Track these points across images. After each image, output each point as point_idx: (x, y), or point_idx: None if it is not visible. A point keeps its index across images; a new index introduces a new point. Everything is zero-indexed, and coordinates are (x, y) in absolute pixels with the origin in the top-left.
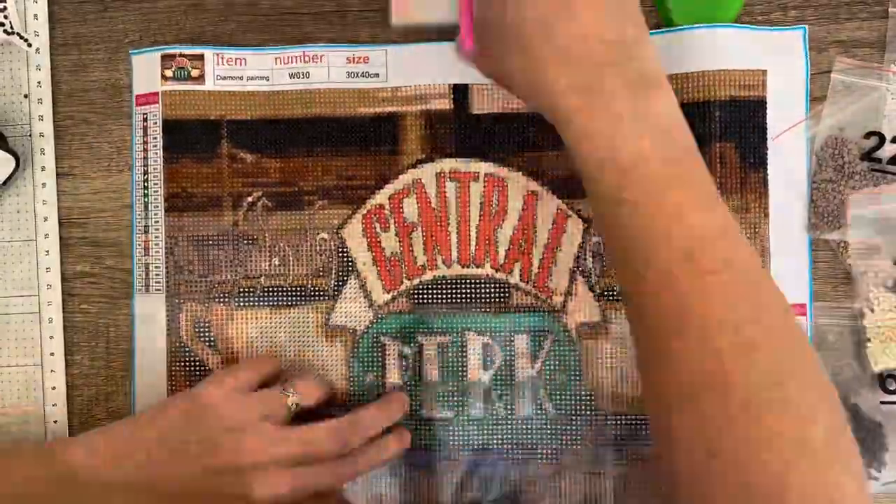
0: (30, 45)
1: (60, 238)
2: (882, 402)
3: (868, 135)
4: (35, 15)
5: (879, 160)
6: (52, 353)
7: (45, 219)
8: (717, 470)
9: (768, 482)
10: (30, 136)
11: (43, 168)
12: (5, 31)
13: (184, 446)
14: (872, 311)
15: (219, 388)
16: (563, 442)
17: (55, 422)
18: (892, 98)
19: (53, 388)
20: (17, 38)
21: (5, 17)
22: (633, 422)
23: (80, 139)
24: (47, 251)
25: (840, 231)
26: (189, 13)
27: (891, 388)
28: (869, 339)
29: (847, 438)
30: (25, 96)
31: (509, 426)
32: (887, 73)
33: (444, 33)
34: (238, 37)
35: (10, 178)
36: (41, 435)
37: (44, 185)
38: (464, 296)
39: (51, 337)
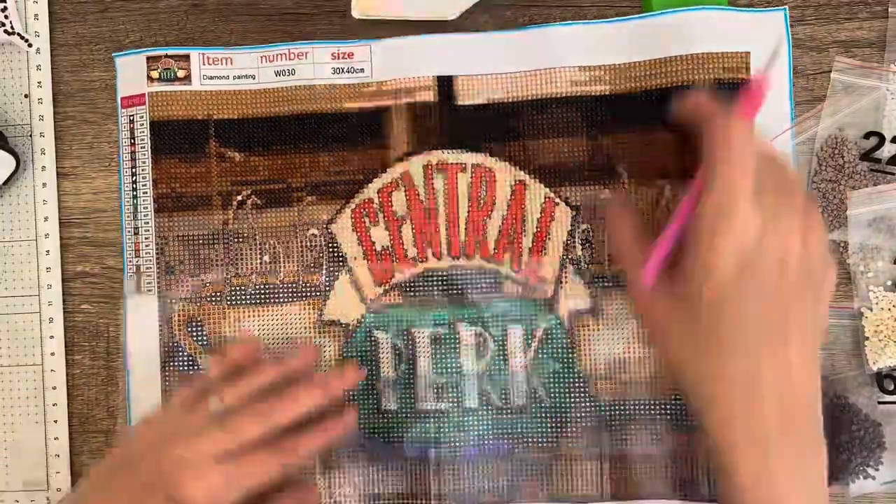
0: (30, 45)
1: (61, 238)
2: (880, 402)
3: (868, 135)
4: (35, 15)
5: (879, 160)
6: (52, 353)
7: (46, 219)
8: None
9: None
10: (30, 136)
11: (43, 168)
12: (6, 31)
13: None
14: (871, 309)
15: (149, 416)
16: (559, 429)
17: (55, 422)
18: (892, 98)
19: (53, 388)
20: (18, 38)
21: (6, 16)
22: (627, 407)
23: (80, 139)
24: (48, 251)
25: (840, 231)
26: (190, 13)
27: (889, 389)
28: (867, 338)
29: None
30: (26, 96)
31: (504, 416)
32: (887, 73)
33: (426, 27)
34: (239, 37)
35: (10, 178)
36: (40, 436)
37: (44, 185)
38: (455, 287)
39: (51, 337)
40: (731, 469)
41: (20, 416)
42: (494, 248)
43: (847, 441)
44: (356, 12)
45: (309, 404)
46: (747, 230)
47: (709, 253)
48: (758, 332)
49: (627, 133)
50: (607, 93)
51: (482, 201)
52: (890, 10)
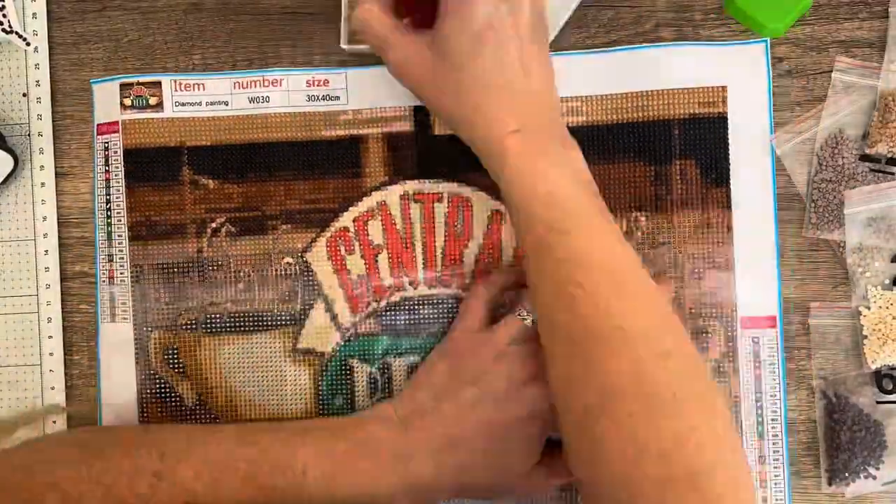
0: (28, 45)
1: (59, 238)
2: (879, 402)
3: (867, 135)
4: (34, 14)
5: (879, 160)
6: (51, 353)
7: (44, 218)
8: (645, 466)
9: (690, 472)
10: (28, 135)
11: (42, 167)
12: (4, 30)
13: (460, 398)
14: (869, 308)
15: (458, 336)
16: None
17: (54, 422)
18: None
19: (52, 388)
20: (16, 36)
21: (4, 15)
22: None
23: (78, 138)
24: (46, 251)
25: (840, 231)
26: (189, 12)
27: (888, 388)
28: (866, 337)
29: (733, 428)
30: (24, 95)
31: None
32: (887, 72)
33: None
34: (238, 36)
35: (8, 177)
36: (40, 435)
37: (42, 184)
38: (432, 316)
39: (50, 337)
40: (501, 155)
41: (19, 415)
42: (471, 278)
43: (847, 441)
44: (345, 44)
45: None
46: None
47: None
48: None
49: (604, 164)
50: (584, 124)
51: (459, 231)
52: (890, 10)
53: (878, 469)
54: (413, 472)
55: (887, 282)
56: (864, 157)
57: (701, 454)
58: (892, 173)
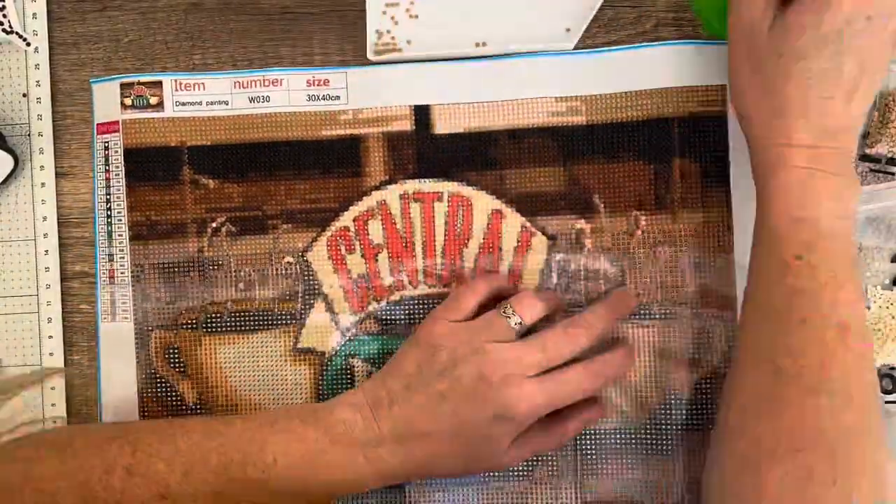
0: (28, 45)
1: (59, 238)
2: None
3: (867, 135)
4: (34, 14)
5: (879, 160)
6: (51, 354)
7: (44, 218)
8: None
9: None
10: (28, 135)
11: (42, 167)
12: (4, 30)
13: (430, 389)
14: (869, 308)
15: (438, 324)
16: (534, 456)
17: (54, 422)
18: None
19: (53, 388)
20: (16, 37)
21: (4, 15)
22: (601, 434)
23: (78, 138)
24: (46, 251)
25: None
26: (189, 12)
27: (888, 388)
28: None
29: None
30: (24, 95)
31: None
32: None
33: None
34: (238, 35)
35: (8, 177)
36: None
37: (43, 184)
38: None
39: (50, 337)
40: (780, 164)
41: (19, 416)
42: (471, 277)
43: None
44: (372, 55)
45: (608, 327)
46: None
47: None
48: (844, 69)
49: (603, 164)
50: (584, 123)
51: (459, 230)
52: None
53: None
54: (382, 459)
55: (887, 281)
56: (864, 157)
57: None
58: (892, 173)
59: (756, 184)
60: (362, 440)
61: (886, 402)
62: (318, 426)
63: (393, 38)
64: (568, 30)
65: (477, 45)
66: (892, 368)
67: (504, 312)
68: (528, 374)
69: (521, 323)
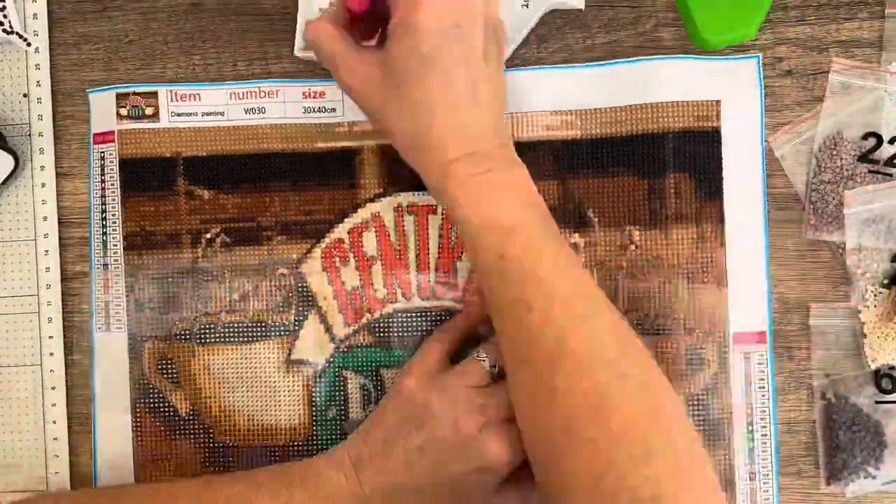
0: (29, 45)
1: (60, 238)
2: (878, 402)
3: (866, 136)
4: (34, 14)
5: (877, 161)
6: (51, 354)
7: (45, 218)
8: (607, 489)
9: (649, 494)
10: (29, 135)
11: (42, 168)
12: (4, 30)
13: (408, 444)
14: (869, 308)
15: (411, 376)
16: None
17: (54, 422)
18: (890, 99)
19: (53, 389)
20: (17, 37)
21: (4, 16)
22: None
23: (79, 139)
24: (46, 251)
25: (839, 232)
26: (189, 13)
27: (887, 388)
28: (865, 336)
29: (700, 447)
30: (24, 96)
31: None
32: (885, 73)
33: None
34: (238, 36)
35: (9, 177)
36: (39, 435)
37: (43, 184)
38: (425, 328)
39: (50, 337)
40: (448, 182)
41: (19, 415)
42: (464, 290)
43: (847, 440)
44: (299, 52)
45: None
46: None
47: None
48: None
49: (598, 178)
50: (578, 138)
51: (452, 243)
52: (887, 11)
53: (877, 469)
54: None
55: (887, 282)
56: (863, 158)
57: (661, 483)
58: (891, 174)
59: (438, 199)
60: (348, 500)
61: (886, 402)
62: (304, 487)
63: None
64: None
65: None
66: (892, 368)
67: (477, 356)
68: (505, 417)
69: (494, 366)
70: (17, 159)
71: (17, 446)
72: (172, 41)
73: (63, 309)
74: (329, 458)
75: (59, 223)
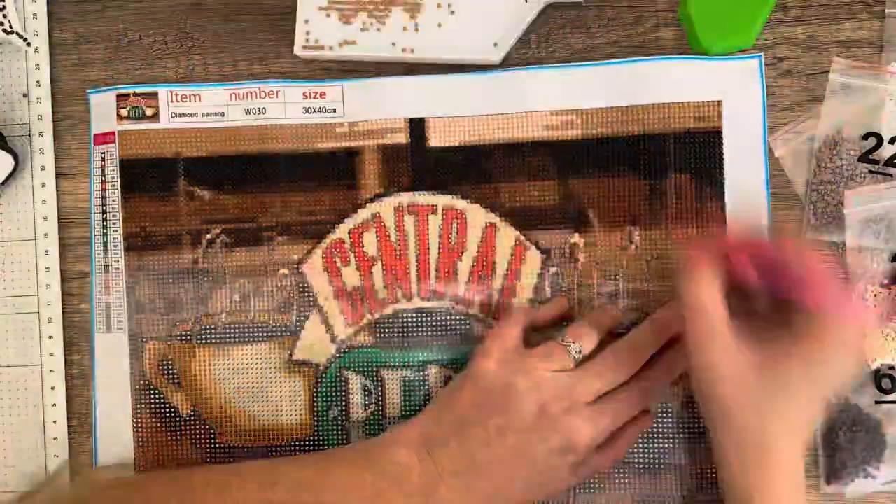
0: (29, 45)
1: (60, 238)
2: (877, 402)
3: (866, 136)
4: (34, 14)
5: (877, 161)
6: (51, 354)
7: (45, 218)
8: None
9: None
10: (29, 135)
11: (42, 168)
12: (4, 30)
13: (489, 424)
14: (869, 308)
15: (490, 357)
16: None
17: (54, 422)
18: (890, 99)
19: (53, 389)
20: (17, 37)
21: (4, 16)
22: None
23: (79, 139)
24: (46, 251)
25: (839, 232)
26: (190, 12)
27: (886, 388)
28: (866, 335)
29: None
30: (24, 96)
31: None
32: (885, 73)
33: (396, 68)
34: (239, 37)
35: (9, 177)
36: (39, 435)
37: (43, 184)
38: (425, 329)
39: (50, 337)
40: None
41: (19, 415)
42: (464, 291)
43: (846, 440)
44: (299, 49)
45: (656, 347)
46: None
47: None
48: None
49: (598, 178)
50: (579, 138)
51: (453, 243)
52: (887, 11)
53: (877, 469)
54: (442, 499)
55: (887, 282)
56: (863, 158)
57: None
58: (892, 174)
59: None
60: (420, 481)
61: (886, 402)
62: (373, 469)
63: (317, 39)
64: (495, 44)
65: (404, 50)
66: (892, 368)
67: (563, 341)
68: (586, 402)
69: (580, 352)
70: (17, 159)
71: (17, 446)
72: (172, 41)
73: (63, 309)
74: (397, 439)
75: (59, 223)
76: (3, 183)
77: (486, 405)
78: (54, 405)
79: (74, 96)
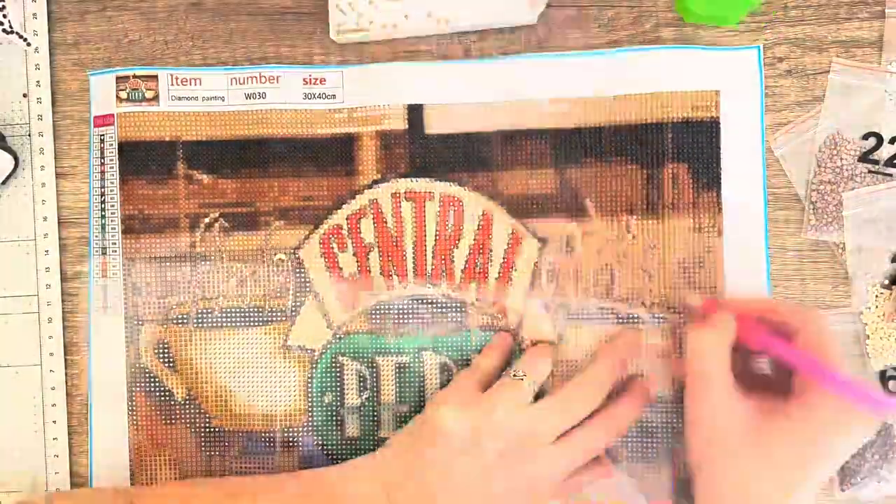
0: (29, 45)
1: (59, 238)
2: None
3: (866, 136)
4: (34, 14)
5: (877, 161)
6: (51, 354)
7: (45, 218)
8: None
9: None
10: (29, 135)
11: (42, 168)
12: (4, 30)
13: (449, 469)
14: (870, 308)
15: (447, 404)
16: None
17: (54, 422)
18: (890, 99)
19: (53, 389)
20: (17, 37)
21: (4, 15)
22: None
23: (79, 139)
24: (46, 251)
25: (839, 232)
26: (189, 12)
27: (893, 390)
28: (868, 336)
29: None
30: (24, 96)
31: None
32: (885, 73)
33: (397, 54)
34: (238, 36)
35: (8, 177)
36: (39, 435)
37: (43, 184)
38: (421, 316)
39: (50, 337)
40: None
41: (19, 415)
42: (460, 278)
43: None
44: (335, 35)
45: (610, 384)
46: None
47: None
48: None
49: (596, 167)
50: (577, 126)
51: (449, 230)
52: (887, 11)
53: (891, 473)
54: None
55: (887, 282)
56: (863, 159)
57: None
58: (892, 174)
59: None
60: None
61: None
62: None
63: (359, 15)
64: (531, 4)
65: (438, 21)
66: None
67: (515, 375)
68: (549, 440)
69: (535, 382)
70: (16, 159)
71: (17, 446)
72: (172, 41)
73: (63, 309)
74: (357, 475)
75: (59, 223)
76: (3, 183)
77: (447, 446)
78: (54, 405)
79: (74, 96)
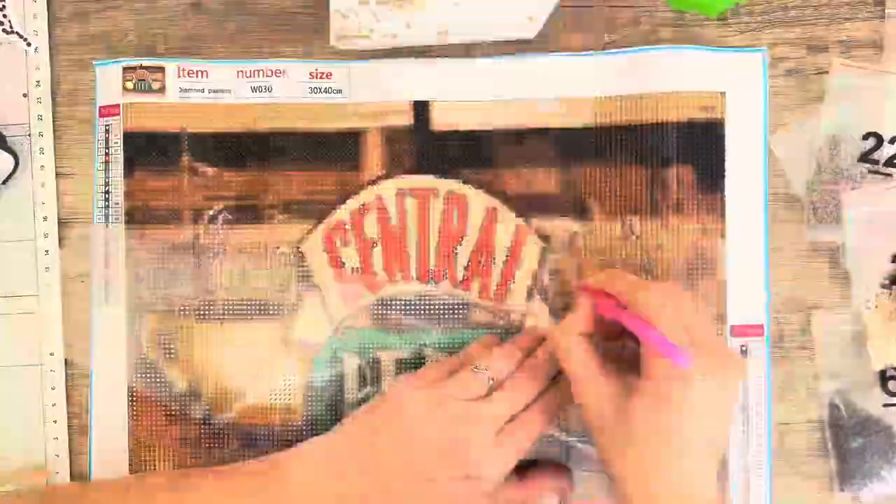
0: (29, 45)
1: (60, 238)
2: (885, 405)
3: (866, 136)
4: (34, 14)
5: (877, 161)
6: (51, 354)
7: (45, 218)
8: None
9: None
10: (29, 135)
11: (42, 168)
12: (4, 30)
13: (395, 457)
14: (870, 309)
15: (406, 389)
16: None
17: (54, 422)
18: (890, 99)
19: (53, 389)
20: (17, 37)
21: (4, 15)
22: (583, 440)
23: (79, 139)
24: (47, 251)
25: (839, 232)
26: (189, 12)
27: (893, 391)
28: (869, 337)
29: None
30: (24, 96)
31: None
32: (885, 73)
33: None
34: (238, 36)
35: (9, 177)
36: (40, 435)
37: (43, 184)
38: (422, 312)
39: (50, 337)
40: None
41: (19, 416)
42: (463, 275)
43: (858, 445)
44: (335, 41)
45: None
46: None
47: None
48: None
49: (600, 167)
50: (582, 126)
51: (453, 228)
52: (887, 11)
53: (891, 472)
54: None
55: (887, 282)
56: (863, 159)
57: None
58: (892, 174)
59: None
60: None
61: (895, 405)
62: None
63: (360, 24)
64: (530, 19)
65: (439, 33)
66: None
67: (476, 368)
68: (494, 431)
69: (493, 379)
70: (16, 159)
71: (17, 446)
72: (172, 41)
73: (63, 309)
74: (302, 460)
75: (59, 223)
76: (3, 183)
77: (396, 433)
78: (54, 405)
79: (74, 96)
